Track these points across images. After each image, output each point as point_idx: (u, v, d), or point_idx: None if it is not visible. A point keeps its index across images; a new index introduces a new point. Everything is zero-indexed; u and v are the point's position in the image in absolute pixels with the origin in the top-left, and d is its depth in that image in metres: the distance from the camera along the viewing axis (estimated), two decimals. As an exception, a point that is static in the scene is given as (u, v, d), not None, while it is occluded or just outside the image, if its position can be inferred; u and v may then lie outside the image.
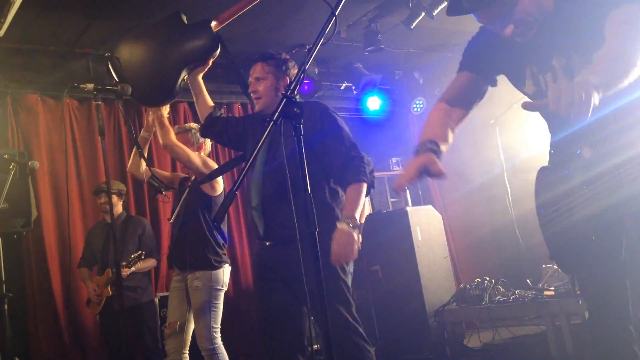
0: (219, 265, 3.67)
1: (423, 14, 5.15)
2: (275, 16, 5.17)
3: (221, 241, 3.76)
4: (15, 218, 3.92)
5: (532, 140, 6.15)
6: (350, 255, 2.45)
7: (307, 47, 5.90)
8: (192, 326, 3.66)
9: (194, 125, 3.92)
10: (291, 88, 1.69)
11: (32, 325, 4.89)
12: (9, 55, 5.00)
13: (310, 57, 1.72)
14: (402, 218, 5.69)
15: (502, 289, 5.35)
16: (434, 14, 5.10)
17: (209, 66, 3.01)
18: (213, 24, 3.02)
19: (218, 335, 3.62)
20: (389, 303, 5.72)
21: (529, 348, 5.11)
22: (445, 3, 4.98)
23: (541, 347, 4.76)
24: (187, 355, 3.65)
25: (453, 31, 6.05)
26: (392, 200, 7.44)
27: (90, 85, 2.73)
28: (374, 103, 6.87)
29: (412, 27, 5.28)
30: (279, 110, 1.66)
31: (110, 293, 4.43)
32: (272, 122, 1.64)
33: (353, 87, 6.78)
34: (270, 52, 2.89)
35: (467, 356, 5.19)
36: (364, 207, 3.18)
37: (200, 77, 3.01)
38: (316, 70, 6.20)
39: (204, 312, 3.55)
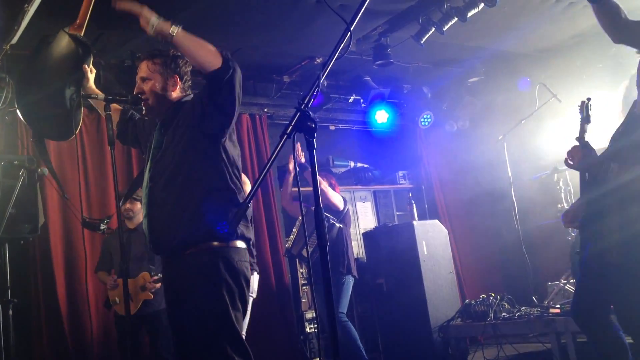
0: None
1: (433, 29, 5.17)
2: (286, 28, 5.21)
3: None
4: (22, 224, 3.94)
5: (539, 156, 6.15)
6: None
7: (317, 59, 5.93)
8: None
9: None
10: (305, 101, 1.70)
11: (36, 331, 4.88)
12: (22, 62, 5.04)
13: (325, 71, 1.73)
14: (408, 232, 5.68)
15: (507, 306, 5.33)
16: (444, 29, 5.12)
17: (91, 72, 2.81)
18: (67, 30, 2.82)
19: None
20: (393, 317, 5.70)
21: (533, 366, 5.08)
22: (456, 19, 5.01)
23: (546, 364, 4.73)
24: None
25: (462, 47, 6.08)
26: (398, 213, 7.43)
27: (101, 95, 2.73)
28: (382, 116, 6.88)
29: (422, 42, 5.30)
30: (292, 124, 1.67)
31: (152, 296, 4.48)
32: (285, 136, 1.65)
33: (361, 100, 6.80)
34: (158, 49, 2.66)
35: (471, 372, 5.16)
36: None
37: (92, 85, 2.82)
38: (325, 83, 6.23)
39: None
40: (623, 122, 3.09)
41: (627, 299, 2.87)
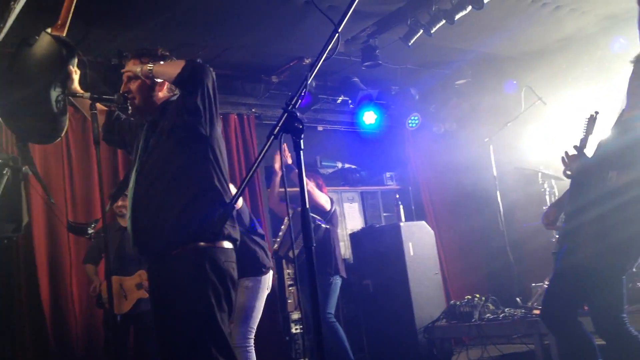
0: (267, 271, 4.08)
1: (421, 31, 5.19)
2: (275, 28, 5.21)
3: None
4: (6, 223, 3.89)
5: (525, 158, 6.20)
6: None
7: (306, 59, 5.93)
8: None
9: None
10: (292, 102, 1.70)
11: (18, 331, 4.84)
12: (4, 62, 4.99)
13: (313, 72, 1.73)
14: (394, 233, 5.71)
15: (491, 307, 5.37)
16: (432, 31, 5.15)
17: (75, 73, 2.80)
18: (49, 30, 2.79)
19: (252, 336, 3.96)
20: (379, 317, 5.72)
21: (517, 366, 5.12)
22: (444, 21, 5.04)
23: (530, 365, 4.77)
24: None
25: (449, 49, 6.11)
26: (385, 214, 7.46)
27: (87, 94, 2.71)
28: (369, 117, 6.90)
29: (410, 43, 5.33)
30: (279, 125, 1.67)
31: (147, 295, 4.43)
32: (272, 137, 1.65)
33: (349, 101, 6.81)
34: (146, 47, 2.68)
35: (456, 373, 5.19)
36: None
37: (77, 87, 2.80)
38: (313, 84, 6.23)
39: (248, 311, 3.92)
40: (611, 128, 3.15)
41: (600, 302, 2.92)
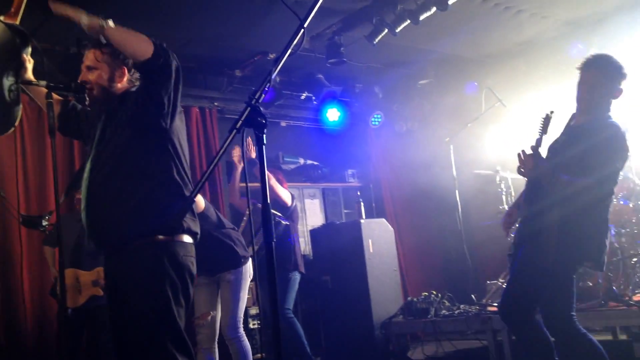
0: (246, 260, 4.15)
1: (386, 30, 5.24)
2: (239, 22, 5.17)
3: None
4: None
5: (483, 159, 6.33)
6: None
7: (270, 54, 5.91)
8: (219, 318, 4.10)
9: None
10: (256, 96, 1.69)
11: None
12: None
13: (278, 67, 1.73)
14: (355, 230, 5.75)
15: (447, 303, 5.47)
16: (397, 31, 5.20)
17: (29, 62, 2.69)
18: (1, 18, 2.65)
19: (241, 325, 4.06)
20: (337, 313, 5.76)
21: (470, 362, 5.24)
22: (408, 21, 5.09)
23: (482, 361, 4.88)
24: (216, 346, 4.07)
25: (413, 49, 6.18)
26: (346, 211, 7.51)
27: (42, 83, 2.63)
28: (333, 114, 6.92)
29: (375, 42, 5.37)
30: (242, 119, 1.66)
31: (102, 293, 4.34)
32: (234, 131, 1.64)
33: (313, 98, 6.82)
34: None
35: (411, 368, 5.27)
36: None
37: (31, 76, 2.70)
38: (277, 79, 6.21)
39: (234, 303, 4.00)
40: (562, 133, 3.24)
41: (554, 301, 3.01)
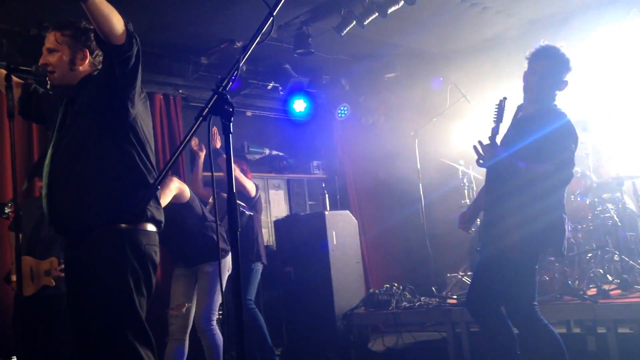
0: (225, 254, 4.15)
1: (354, 22, 5.24)
2: (206, 8, 5.09)
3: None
4: None
5: (447, 153, 6.41)
6: None
7: (237, 43, 5.84)
8: (194, 310, 4.11)
9: None
10: (224, 84, 1.67)
11: None
12: None
13: (246, 54, 1.70)
14: (319, 221, 5.75)
15: (408, 295, 5.54)
16: (365, 23, 5.20)
17: None
18: None
19: (215, 318, 4.07)
20: (299, 304, 5.77)
21: (428, 353, 5.31)
22: (377, 14, 5.10)
23: (440, 352, 4.96)
24: (187, 338, 4.07)
25: (381, 42, 6.20)
26: (310, 203, 7.51)
27: (2, 64, 2.54)
28: (299, 105, 6.90)
29: (342, 34, 5.36)
30: (208, 107, 1.63)
31: (53, 283, 4.27)
32: (200, 118, 1.61)
33: (280, 88, 6.78)
34: (69, 19, 2.50)
35: (370, 359, 5.32)
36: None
37: None
38: (244, 68, 6.15)
39: (210, 295, 4.01)
40: (511, 126, 3.29)
41: (518, 292, 3.07)
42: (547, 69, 3.10)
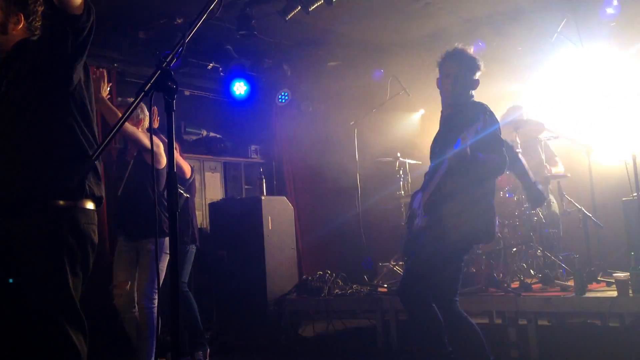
0: (165, 235, 4.00)
1: (299, 7, 5.20)
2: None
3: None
4: None
5: (385, 145, 6.50)
6: None
7: (178, 19, 5.66)
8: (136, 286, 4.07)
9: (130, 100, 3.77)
10: (168, 60, 1.60)
11: None
12: None
13: (192, 31, 1.65)
14: (255, 206, 5.72)
15: (341, 283, 5.61)
16: (310, 9, 5.17)
17: None
18: None
19: (156, 297, 3.98)
20: (231, 288, 5.72)
21: (357, 339, 5.41)
22: (322, 1, 5.08)
23: (369, 339, 5.07)
24: (136, 311, 4.03)
25: (325, 30, 6.19)
26: (246, 187, 7.44)
27: None
28: (239, 88, 6.80)
29: (287, 18, 5.31)
30: (151, 82, 1.57)
31: None
32: (142, 93, 1.55)
33: (220, 69, 6.65)
34: None
35: (300, 345, 5.36)
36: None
37: None
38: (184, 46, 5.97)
39: (152, 273, 3.95)
40: (440, 126, 3.44)
41: (443, 283, 3.17)
42: (458, 70, 3.25)
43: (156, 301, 3.99)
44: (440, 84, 3.34)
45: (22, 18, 2.36)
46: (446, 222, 3.12)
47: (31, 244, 2.15)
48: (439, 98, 3.45)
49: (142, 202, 3.99)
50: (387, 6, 5.66)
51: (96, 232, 2.31)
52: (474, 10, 6.00)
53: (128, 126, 3.86)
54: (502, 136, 3.25)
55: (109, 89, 3.82)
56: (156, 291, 4.00)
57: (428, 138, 3.54)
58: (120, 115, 3.69)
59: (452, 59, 3.28)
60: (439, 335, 3.15)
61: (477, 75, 3.30)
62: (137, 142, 3.95)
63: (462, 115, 3.18)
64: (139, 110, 4.13)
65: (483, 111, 3.13)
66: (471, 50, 3.36)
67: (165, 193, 4.05)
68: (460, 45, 3.34)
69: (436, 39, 6.54)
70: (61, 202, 2.17)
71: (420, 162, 5.93)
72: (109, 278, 4.16)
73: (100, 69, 4.01)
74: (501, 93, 5.86)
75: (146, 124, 4.18)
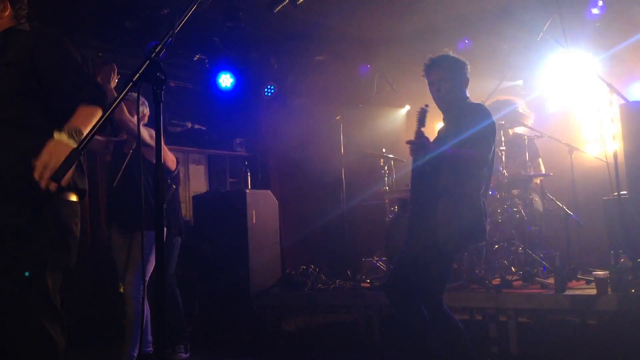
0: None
1: (287, 0, 5.16)
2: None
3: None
4: None
5: (371, 140, 6.52)
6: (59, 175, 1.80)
7: (164, 10, 5.61)
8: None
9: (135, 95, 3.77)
10: (157, 51, 1.59)
11: None
12: None
13: (183, 21, 1.63)
14: (239, 199, 5.70)
15: (324, 278, 5.62)
16: (298, 2, 5.14)
17: None
18: None
19: (145, 287, 3.86)
20: (214, 281, 5.70)
21: (340, 334, 5.42)
22: (311, -6, 5.05)
23: (352, 333, 5.08)
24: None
25: (313, 24, 6.17)
26: (231, 180, 7.41)
27: None
28: (225, 80, 6.76)
29: (275, 11, 5.27)
30: (139, 72, 1.55)
31: None
32: (130, 84, 1.53)
33: (207, 61, 6.60)
34: None
35: (282, 339, 5.36)
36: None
37: None
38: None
39: (139, 264, 4.01)
40: (443, 125, 3.46)
41: (431, 281, 3.19)
42: (442, 75, 3.27)
43: (142, 291, 4.01)
44: (432, 91, 3.35)
45: (8, 5, 2.32)
46: (437, 221, 3.13)
47: (8, 238, 2.09)
48: (425, 94, 3.46)
49: (138, 194, 4.01)
50: (375, 1, 5.66)
51: (79, 225, 2.26)
52: (461, 8, 6.02)
53: (131, 120, 3.91)
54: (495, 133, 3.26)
55: (117, 80, 3.94)
56: (144, 282, 4.02)
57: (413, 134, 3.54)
58: (125, 108, 3.84)
59: (433, 67, 3.31)
60: (422, 331, 3.17)
61: (466, 74, 3.32)
62: (134, 135, 4.04)
63: (465, 121, 3.20)
64: (143, 105, 4.26)
65: (481, 113, 3.16)
66: (454, 49, 3.37)
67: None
68: (444, 50, 3.36)
69: (424, 35, 6.54)
70: (44, 194, 2.12)
71: (404, 160, 5.95)
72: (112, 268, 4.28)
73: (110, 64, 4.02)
74: (487, 91, 5.91)
75: (146, 119, 4.27)
